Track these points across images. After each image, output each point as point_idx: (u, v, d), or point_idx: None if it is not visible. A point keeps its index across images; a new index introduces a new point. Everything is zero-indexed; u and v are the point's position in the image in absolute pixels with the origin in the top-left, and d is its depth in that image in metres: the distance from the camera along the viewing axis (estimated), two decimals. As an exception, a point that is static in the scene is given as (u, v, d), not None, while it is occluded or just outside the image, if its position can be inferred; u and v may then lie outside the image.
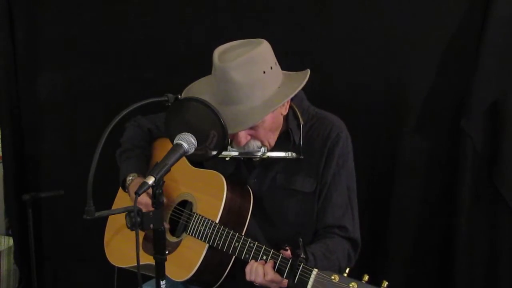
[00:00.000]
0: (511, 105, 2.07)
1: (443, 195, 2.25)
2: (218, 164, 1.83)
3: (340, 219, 1.78)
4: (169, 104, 1.58)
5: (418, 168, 2.27)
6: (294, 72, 1.79)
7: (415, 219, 2.30)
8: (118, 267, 1.97)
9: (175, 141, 1.51)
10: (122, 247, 1.97)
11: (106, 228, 2.08)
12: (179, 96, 1.60)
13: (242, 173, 1.85)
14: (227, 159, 1.79)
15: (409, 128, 2.25)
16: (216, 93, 1.64)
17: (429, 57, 2.19)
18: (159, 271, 1.46)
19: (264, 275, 1.56)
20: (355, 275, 1.45)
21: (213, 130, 1.55)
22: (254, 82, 1.61)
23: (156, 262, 1.46)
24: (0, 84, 2.80)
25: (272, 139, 1.77)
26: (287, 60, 1.79)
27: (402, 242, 2.32)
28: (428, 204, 2.28)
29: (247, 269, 1.61)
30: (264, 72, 1.62)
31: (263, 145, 1.75)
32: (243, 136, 1.69)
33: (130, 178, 1.89)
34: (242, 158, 1.82)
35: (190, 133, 1.52)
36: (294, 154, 1.77)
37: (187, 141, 1.50)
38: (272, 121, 1.72)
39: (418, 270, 2.32)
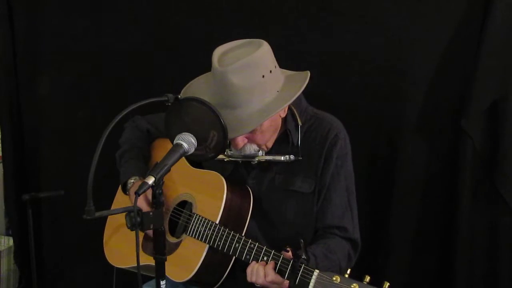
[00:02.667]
0: (511, 105, 2.07)
1: (443, 195, 2.25)
2: (216, 165, 1.83)
3: (339, 220, 1.77)
4: (169, 104, 1.58)
5: (418, 168, 2.26)
6: (294, 72, 1.77)
7: (415, 219, 2.30)
8: (117, 267, 1.97)
9: (175, 141, 1.51)
10: (121, 248, 1.97)
11: (105, 228, 2.08)
12: (179, 96, 1.60)
13: (240, 173, 1.85)
14: (225, 160, 1.79)
15: (409, 128, 2.25)
16: (215, 96, 1.62)
17: (429, 57, 2.19)
18: (159, 271, 1.46)
19: (265, 276, 1.56)
20: (356, 275, 1.45)
21: (213, 130, 1.55)
22: (253, 87, 1.59)
23: (156, 262, 1.46)
24: (0, 84, 2.80)
25: (270, 141, 1.77)
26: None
27: (402, 242, 2.32)
28: (428, 203, 2.28)
29: (248, 270, 1.61)
30: (263, 76, 1.60)
31: (260, 148, 1.75)
32: (240, 140, 1.68)
33: (132, 181, 1.88)
34: (240, 161, 1.82)
35: (190, 133, 1.52)
36: (292, 157, 1.76)
37: (187, 141, 1.50)
38: (270, 124, 1.70)
39: (418, 270, 2.32)
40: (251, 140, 1.71)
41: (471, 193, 2.15)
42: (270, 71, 1.63)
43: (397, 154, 2.28)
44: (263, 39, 1.68)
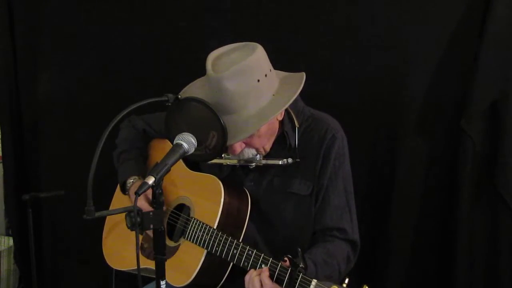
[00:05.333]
0: (511, 105, 2.07)
1: (443, 195, 2.25)
2: (214, 167, 1.82)
3: (338, 221, 1.76)
4: (169, 104, 1.58)
5: (418, 168, 2.26)
6: (290, 74, 1.75)
7: (415, 219, 2.29)
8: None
9: (175, 141, 1.50)
10: (120, 250, 1.96)
11: (104, 230, 2.07)
12: (179, 96, 1.59)
13: (238, 176, 1.84)
14: (224, 164, 1.79)
15: (409, 128, 2.25)
16: (210, 102, 1.60)
17: (429, 56, 2.19)
18: (159, 271, 1.45)
19: (262, 286, 1.53)
20: (355, 278, 1.44)
21: (213, 131, 1.55)
22: (248, 92, 1.57)
23: (156, 263, 1.46)
24: (0, 84, 2.80)
25: (268, 145, 1.76)
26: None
27: (402, 242, 2.32)
28: (428, 204, 2.28)
29: (246, 278, 1.59)
30: (258, 80, 1.58)
31: (258, 152, 1.74)
32: (237, 145, 1.67)
33: (131, 181, 1.88)
34: (238, 166, 1.81)
35: (190, 133, 1.52)
36: (290, 160, 1.75)
37: (187, 141, 1.50)
38: (267, 128, 1.70)
39: (418, 270, 2.32)
40: (248, 144, 1.70)
41: (471, 194, 2.15)
42: (265, 75, 1.61)
43: (396, 154, 2.27)
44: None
